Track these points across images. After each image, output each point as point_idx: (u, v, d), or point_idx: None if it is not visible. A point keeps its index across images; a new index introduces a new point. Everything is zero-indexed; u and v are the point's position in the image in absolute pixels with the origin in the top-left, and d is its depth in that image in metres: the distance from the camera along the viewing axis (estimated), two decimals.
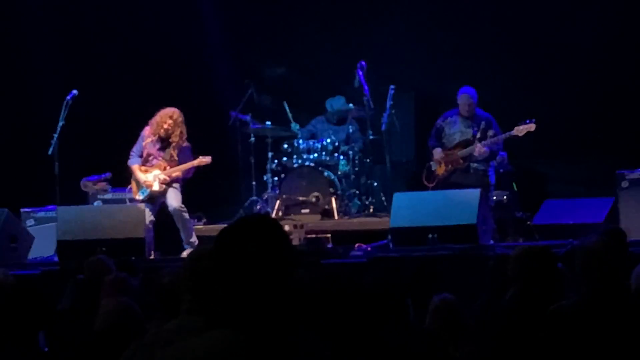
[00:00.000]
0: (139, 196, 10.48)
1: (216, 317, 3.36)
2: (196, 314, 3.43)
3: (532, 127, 10.47)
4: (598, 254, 4.40)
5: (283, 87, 13.64)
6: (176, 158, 10.46)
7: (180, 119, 10.44)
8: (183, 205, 10.42)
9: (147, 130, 10.55)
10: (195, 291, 3.47)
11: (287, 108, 12.28)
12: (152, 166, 10.47)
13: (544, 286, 4.79)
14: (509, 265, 5.00)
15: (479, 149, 10.67)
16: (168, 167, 10.43)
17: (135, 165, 10.54)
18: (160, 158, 10.46)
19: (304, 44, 13.40)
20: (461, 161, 10.85)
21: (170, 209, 10.39)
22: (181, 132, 10.44)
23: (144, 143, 10.50)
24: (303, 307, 3.31)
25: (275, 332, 2.50)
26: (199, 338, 2.55)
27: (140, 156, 10.56)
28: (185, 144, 10.53)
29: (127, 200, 11.03)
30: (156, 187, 10.39)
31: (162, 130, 10.39)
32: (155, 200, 10.52)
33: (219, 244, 2.57)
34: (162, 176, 10.38)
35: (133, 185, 10.61)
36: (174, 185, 10.47)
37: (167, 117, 10.41)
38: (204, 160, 10.56)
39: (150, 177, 10.40)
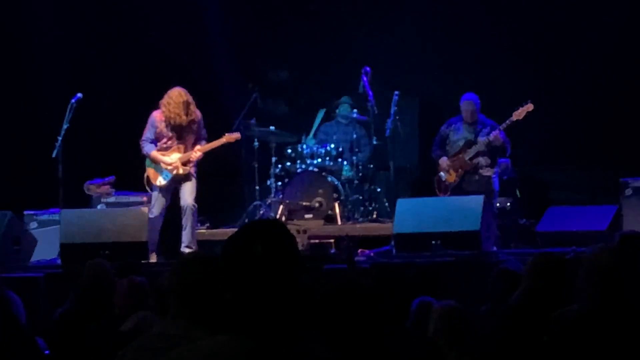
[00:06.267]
0: (160, 181, 10.27)
1: (201, 321, 3.38)
2: (181, 318, 3.46)
3: (530, 107, 10.47)
4: (602, 264, 4.38)
5: (287, 92, 13.66)
6: (195, 129, 10.25)
7: (189, 94, 10.20)
8: (195, 204, 10.28)
9: (159, 115, 10.24)
10: (184, 296, 3.49)
11: (319, 117, 12.31)
12: (169, 150, 10.28)
13: (556, 293, 4.80)
14: (525, 270, 5.00)
15: (493, 135, 10.58)
16: (189, 148, 10.24)
17: (153, 152, 10.27)
18: (180, 141, 10.25)
19: (309, 49, 13.41)
20: (469, 162, 10.79)
21: (183, 203, 10.22)
22: (195, 107, 10.21)
23: (158, 130, 10.26)
24: (308, 312, 3.31)
25: (282, 337, 2.49)
26: (204, 343, 2.55)
27: (153, 142, 10.33)
28: (200, 114, 10.31)
29: (144, 201, 10.95)
30: (181, 170, 10.27)
31: (182, 117, 10.07)
32: (168, 190, 10.36)
33: (226, 247, 2.57)
34: (185, 159, 10.19)
35: (150, 173, 10.35)
36: (193, 175, 10.31)
37: (181, 98, 10.09)
38: (232, 136, 10.35)
39: (173, 160, 10.23)
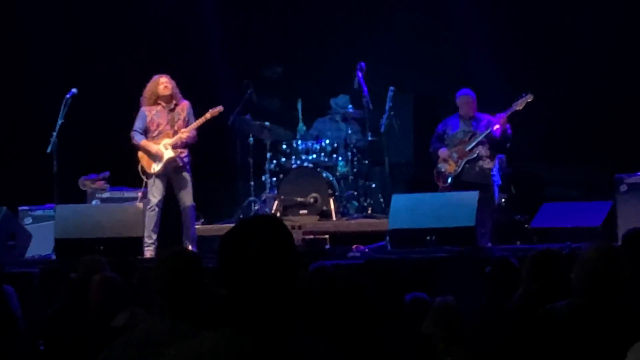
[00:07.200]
0: (155, 168, 10.26)
1: (184, 316, 3.37)
2: (165, 315, 3.47)
3: (529, 97, 10.45)
4: (595, 261, 4.39)
5: (282, 88, 13.64)
6: (184, 115, 10.29)
7: (168, 77, 10.33)
8: (194, 203, 10.23)
9: (145, 105, 10.36)
10: (165, 292, 3.51)
11: (299, 107, 12.32)
12: (160, 136, 10.27)
13: (556, 290, 4.81)
14: (524, 266, 5.00)
15: (500, 117, 10.54)
16: (177, 131, 10.27)
17: (143, 141, 10.26)
18: (170, 127, 10.26)
19: (304, 45, 13.40)
20: (468, 151, 10.71)
21: (182, 206, 10.18)
22: (177, 89, 10.31)
23: (148, 118, 10.29)
24: (305, 308, 3.31)
25: (278, 334, 2.49)
26: (201, 340, 2.54)
27: (143, 133, 10.32)
28: (187, 102, 10.36)
29: (139, 196, 10.93)
30: (169, 154, 10.27)
31: (166, 90, 10.19)
32: (164, 177, 10.29)
33: (222, 244, 2.56)
34: (174, 142, 10.19)
35: (143, 161, 10.28)
36: (186, 166, 10.33)
37: (160, 79, 10.24)
38: (215, 110, 10.34)
39: (161, 147, 10.23)
